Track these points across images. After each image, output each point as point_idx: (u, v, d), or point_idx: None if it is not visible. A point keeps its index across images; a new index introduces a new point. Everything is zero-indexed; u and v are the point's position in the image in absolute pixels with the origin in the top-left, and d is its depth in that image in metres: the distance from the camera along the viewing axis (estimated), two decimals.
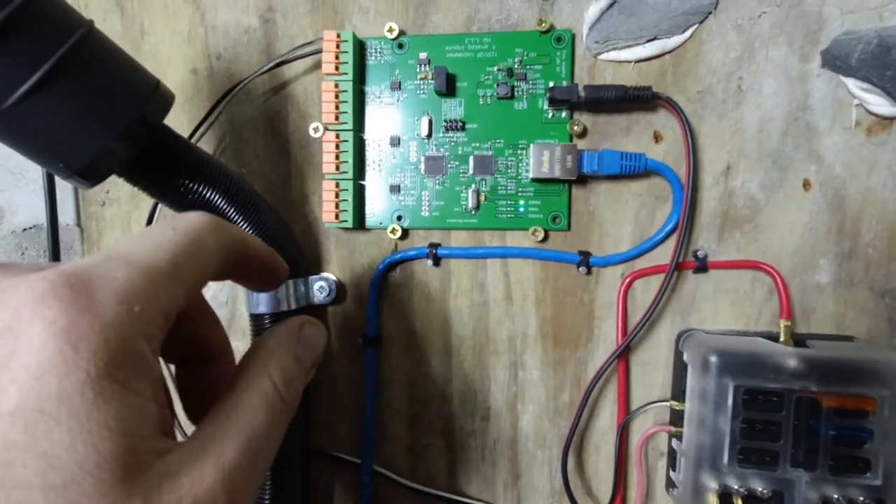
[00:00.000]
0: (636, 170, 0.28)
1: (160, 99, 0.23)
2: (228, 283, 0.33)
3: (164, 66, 0.33)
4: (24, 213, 0.39)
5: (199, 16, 0.32)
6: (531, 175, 0.28)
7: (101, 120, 0.20)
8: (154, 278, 0.14)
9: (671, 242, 0.29)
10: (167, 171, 0.24)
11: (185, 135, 0.32)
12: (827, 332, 0.29)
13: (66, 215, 0.36)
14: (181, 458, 0.13)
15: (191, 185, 0.25)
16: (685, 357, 0.28)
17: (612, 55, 0.29)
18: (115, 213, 0.34)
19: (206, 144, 0.33)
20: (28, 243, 0.40)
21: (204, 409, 0.15)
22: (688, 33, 0.28)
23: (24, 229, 0.40)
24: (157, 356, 0.14)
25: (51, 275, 0.12)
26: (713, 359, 0.25)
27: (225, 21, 0.32)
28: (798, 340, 0.28)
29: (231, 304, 0.34)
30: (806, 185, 0.28)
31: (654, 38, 0.28)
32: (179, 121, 0.33)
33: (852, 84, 0.27)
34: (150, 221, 0.32)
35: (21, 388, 0.11)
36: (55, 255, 0.36)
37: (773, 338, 0.28)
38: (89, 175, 0.21)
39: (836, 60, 0.28)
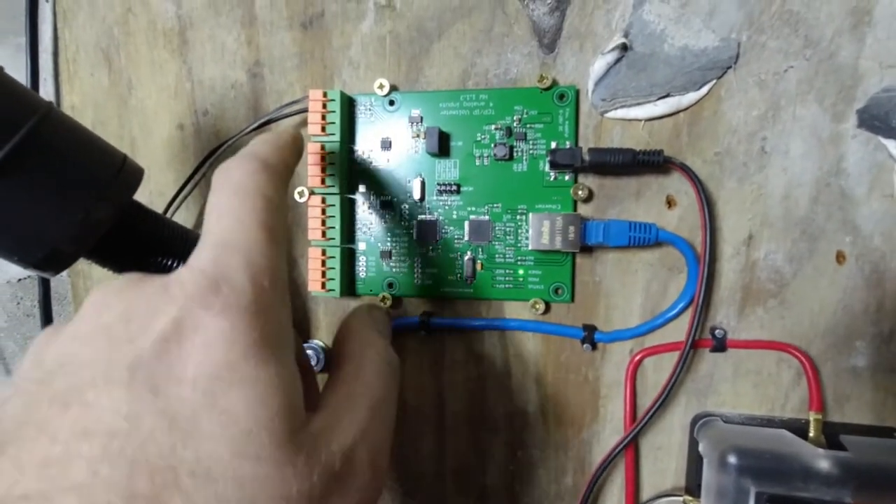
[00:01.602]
0: (646, 241, 0.25)
1: (126, 178, 0.21)
2: None
3: (150, 122, 0.31)
4: None
5: (185, 70, 0.31)
6: (530, 246, 0.26)
7: (57, 212, 0.19)
8: (264, 254, 0.16)
9: (685, 317, 0.26)
10: (137, 251, 0.23)
11: (171, 193, 0.31)
12: (864, 423, 0.25)
13: None
14: (325, 421, 0.16)
15: (164, 261, 0.24)
16: (701, 449, 0.25)
17: (621, 113, 0.26)
18: (103, 273, 0.33)
19: (193, 203, 0.31)
20: (24, 293, 0.39)
21: None
22: (704, 90, 0.26)
23: (20, 279, 0.39)
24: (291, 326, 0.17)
25: (190, 276, 0.15)
26: (732, 459, 0.23)
27: (212, 76, 0.30)
28: (830, 434, 0.25)
29: None
30: (840, 257, 0.25)
31: (667, 96, 0.26)
32: (166, 179, 0.31)
33: (893, 147, 0.24)
34: None
35: (195, 360, 0.14)
36: (46, 308, 0.36)
37: (803, 428, 0.25)
38: (49, 267, 0.20)
39: (875, 120, 0.25)
